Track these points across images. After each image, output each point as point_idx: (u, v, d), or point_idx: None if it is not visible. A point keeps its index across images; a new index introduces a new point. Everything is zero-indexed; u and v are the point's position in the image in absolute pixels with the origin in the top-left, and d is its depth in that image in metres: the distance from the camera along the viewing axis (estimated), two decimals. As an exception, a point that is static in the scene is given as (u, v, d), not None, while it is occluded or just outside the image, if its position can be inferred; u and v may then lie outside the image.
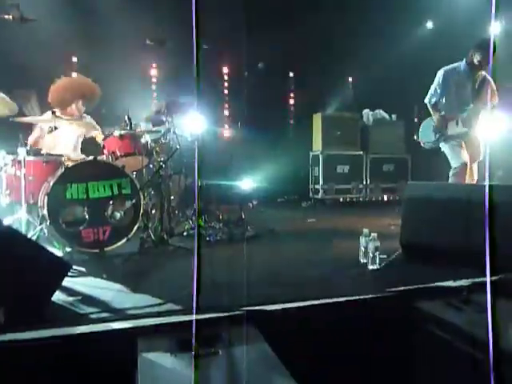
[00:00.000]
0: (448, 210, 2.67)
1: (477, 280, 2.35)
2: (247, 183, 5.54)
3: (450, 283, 2.32)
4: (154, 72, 6.01)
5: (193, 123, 4.10)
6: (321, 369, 1.84)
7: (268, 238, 3.83)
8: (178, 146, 3.50)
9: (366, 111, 6.71)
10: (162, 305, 1.97)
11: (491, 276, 2.28)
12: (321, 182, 6.17)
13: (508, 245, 2.32)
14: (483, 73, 3.83)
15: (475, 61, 3.75)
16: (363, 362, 1.89)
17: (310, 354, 1.85)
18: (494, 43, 4.07)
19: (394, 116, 6.80)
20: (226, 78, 6.48)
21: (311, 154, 6.47)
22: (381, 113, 6.72)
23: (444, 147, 3.93)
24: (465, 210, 2.59)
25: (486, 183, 2.76)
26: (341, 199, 6.26)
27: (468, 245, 2.45)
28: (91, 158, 3.07)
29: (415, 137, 4.24)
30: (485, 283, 2.32)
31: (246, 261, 2.81)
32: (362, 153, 6.41)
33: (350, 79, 7.37)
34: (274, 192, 6.25)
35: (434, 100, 3.93)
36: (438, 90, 3.90)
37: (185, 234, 3.60)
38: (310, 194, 6.44)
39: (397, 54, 5.92)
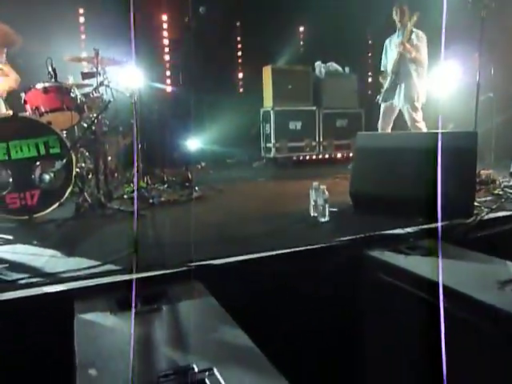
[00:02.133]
0: (397, 159, 2.79)
1: (423, 227, 2.52)
2: (194, 144, 5.45)
3: (398, 231, 2.46)
4: (81, 19, 5.60)
5: (129, 77, 3.92)
6: (271, 319, 1.92)
7: (217, 198, 3.84)
8: (111, 99, 3.34)
9: (318, 63, 6.70)
10: (101, 266, 1.94)
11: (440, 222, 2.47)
12: (272, 140, 6.17)
13: (456, 191, 2.49)
14: (411, 29, 4.42)
15: (396, 21, 4.59)
16: (315, 307, 1.99)
17: (260, 305, 1.92)
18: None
19: (347, 69, 6.84)
20: (165, 26, 6.18)
21: (262, 110, 6.43)
22: (333, 65, 6.73)
23: (381, 107, 4.80)
24: (413, 158, 2.72)
25: (439, 131, 2.90)
26: (294, 157, 6.33)
27: (415, 193, 2.59)
28: (10, 113, 2.87)
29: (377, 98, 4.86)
30: (430, 230, 2.50)
31: (192, 220, 2.82)
32: (314, 108, 6.45)
33: (302, 29, 7.32)
34: (224, 152, 6.21)
35: (382, 66, 4.90)
36: (383, 57, 4.89)
37: (125, 196, 3.51)
38: (262, 153, 6.46)
39: (350, 4, 5.91)
